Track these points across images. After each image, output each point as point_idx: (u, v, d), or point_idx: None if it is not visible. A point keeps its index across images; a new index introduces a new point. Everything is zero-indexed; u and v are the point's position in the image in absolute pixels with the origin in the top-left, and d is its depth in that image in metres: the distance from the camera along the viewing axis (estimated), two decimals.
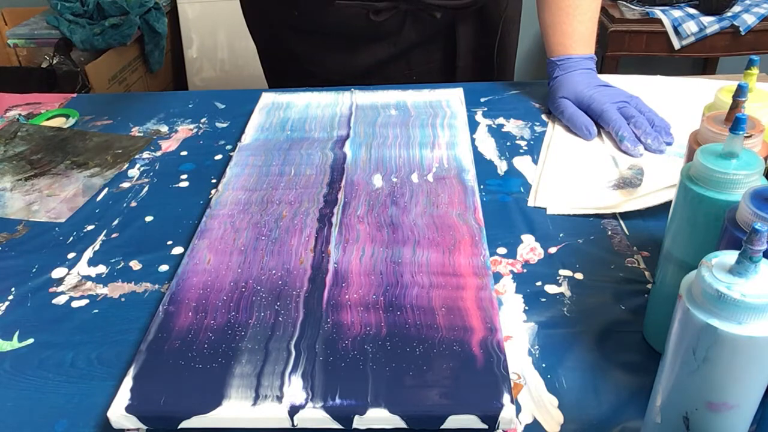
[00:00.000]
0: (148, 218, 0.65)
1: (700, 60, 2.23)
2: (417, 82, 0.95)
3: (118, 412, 0.41)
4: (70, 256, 0.60)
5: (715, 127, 0.45)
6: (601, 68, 1.66)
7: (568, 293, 0.52)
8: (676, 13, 1.82)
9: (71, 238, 0.62)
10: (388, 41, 0.93)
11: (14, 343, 0.50)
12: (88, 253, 0.60)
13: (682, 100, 0.80)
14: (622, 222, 0.60)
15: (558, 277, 0.54)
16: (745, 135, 0.40)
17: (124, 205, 0.67)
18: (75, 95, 0.94)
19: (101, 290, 0.55)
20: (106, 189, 0.70)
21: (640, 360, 0.46)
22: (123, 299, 0.54)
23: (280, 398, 0.41)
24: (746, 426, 0.34)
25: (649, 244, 0.57)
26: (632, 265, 0.55)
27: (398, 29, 0.92)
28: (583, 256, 0.56)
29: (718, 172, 0.38)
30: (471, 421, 0.40)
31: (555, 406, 0.43)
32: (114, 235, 0.62)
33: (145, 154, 0.77)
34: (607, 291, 0.52)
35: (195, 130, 0.82)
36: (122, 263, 0.58)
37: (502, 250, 0.57)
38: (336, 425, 0.41)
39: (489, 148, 0.75)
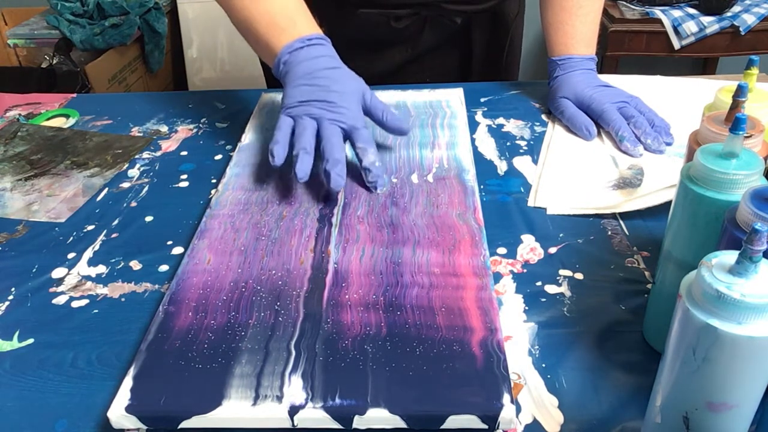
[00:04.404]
0: (148, 218, 0.65)
1: (700, 60, 2.24)
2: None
3: (118, 412, 0.41)
4: (70, 256, 0.60)
5: (715, 127, 0.45)
6: (601, 68, 1.66)
7: (568, 293, 0.52)
8: (676, 13, 1.82)
9: (71, 238, 0.62)
10: (406, 46, 0.94)
11: (14, 343, 0.50)
12: (88, 253, 0.60)
13: (682, 100, 0.80)
14: (622, 222, 0.60)
15: (558, 277, 0.54)
16: (745, 135, 0.40)
17: (124, 205, 0.67)
18: (75, 95, 0.94)
19: (101, 290, 0.55)
20: (106, 189, 0.70)
21: (640, 360, 0.46)
22: (123, 299, 0.54)
23: (280, 398, 0.41)
24: (746, 426, 0.34)
25: (649, 244, 0.57)
26: (632, 265, 0.55)
27: (417, 35, 0.92)
28: (583, 256, 0.56)
29: (718, 172, 0.38)
30: (471, 421, 0.40)
31: (555, 406, 0.43)
32: (114, 235, 0.62)
33: (145, 154, 0.77)
34: (607, 291, 0.52)
35: (195, 130, 0.82)
36: (122, 263, 0.58)
37: (502, 250, 0.58)
38: (336, 425, 0.41)
39: (489, 148, 0.75)
